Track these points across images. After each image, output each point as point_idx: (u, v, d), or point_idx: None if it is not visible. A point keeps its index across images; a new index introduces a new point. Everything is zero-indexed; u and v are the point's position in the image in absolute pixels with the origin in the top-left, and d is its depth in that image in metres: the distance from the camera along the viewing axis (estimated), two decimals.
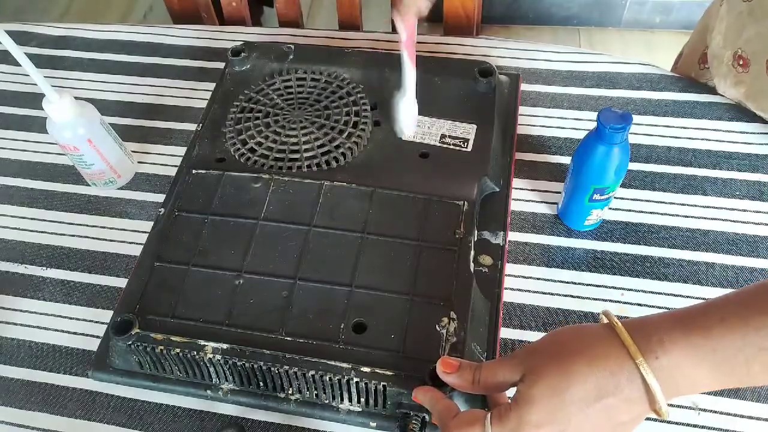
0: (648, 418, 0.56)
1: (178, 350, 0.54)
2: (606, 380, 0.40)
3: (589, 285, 0.63)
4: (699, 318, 0.40)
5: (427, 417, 0.52)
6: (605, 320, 0.43)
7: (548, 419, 0.40)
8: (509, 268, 0.64)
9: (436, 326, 0.54)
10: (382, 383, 0.52)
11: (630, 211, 0.67)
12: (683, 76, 0.78)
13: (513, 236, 0.66)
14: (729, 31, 0.70)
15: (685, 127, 0.73)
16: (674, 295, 0.61)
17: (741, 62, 0.68)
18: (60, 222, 0.71)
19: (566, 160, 0.71)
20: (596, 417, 0.40)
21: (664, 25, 1.83)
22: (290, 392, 0.56)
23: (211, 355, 0.54)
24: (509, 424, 0.41)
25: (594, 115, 0.74)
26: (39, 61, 0.71)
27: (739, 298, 0.40)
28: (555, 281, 0.63)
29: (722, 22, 0.71)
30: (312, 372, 0.53)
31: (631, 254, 0.64)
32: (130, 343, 0.55)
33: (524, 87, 0.77)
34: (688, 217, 0.66)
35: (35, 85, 0.61)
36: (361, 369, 0.52)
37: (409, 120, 0.66)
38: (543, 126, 0.74)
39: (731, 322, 0.38)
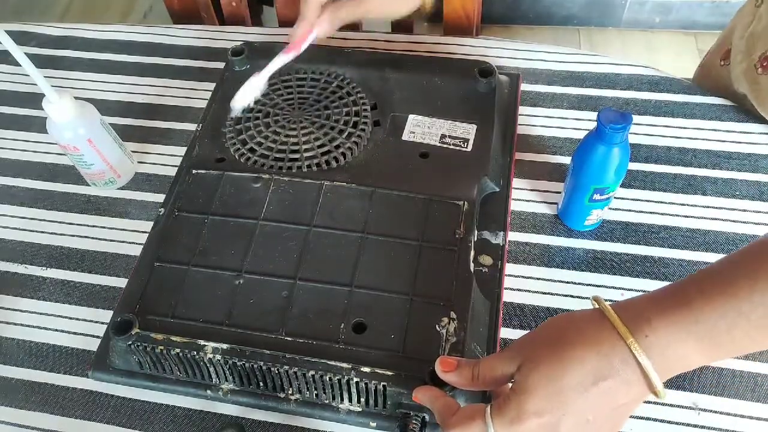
0: (648, 418, 0.57)
1: (178, 350, 0.54)
2: (601, 363, 0.40)
3: (589, 285, 0.63)
4: (680, 293, 0.41)
5: (427, 417, 0.52)
6: (596, 305, 0.43)
7: (548, 406, 0.41)
8: (509, 268, 0.64)
9: (436, 326, 0.54)
10: (382, 383, 0.52)
11: (630, 211, 0.67)
12: (705, 80, 0.78)
13: (513, 236, 0.66)
14: (758, 30, 0.70)
15: (685, 127, 0.73)
16: None
17: (765, 63, 0.68)
18: (60, 222, 0.71)
19: (566, 160, 0.71)
20: (595, 400, 0.41)
21: (664, 25, 1.83)
22: (290, 392, 0.56)
23: (211, 355, 0.54)
24: (509, 414, 0.42)
25: (594, 115, 0.74)
26: (39, 61, 0.71)
27: (717, 267, 0.42)
28: (555, 281, 0.63)
29: (760, 21, 0.71)
30: (312, 372, 0.53)
31: (631, 254, 0.64)
32: (130, 343, 0.55)
33: (524, 87, 0.77)
34: (688, 217, 0.66)
35: (35, 85, 0.61)
36: (361, 369, 0.52)
37: (246, 94, 0.64)
38: (543, 126, 0.74)
39: (709, 291, 0.40)
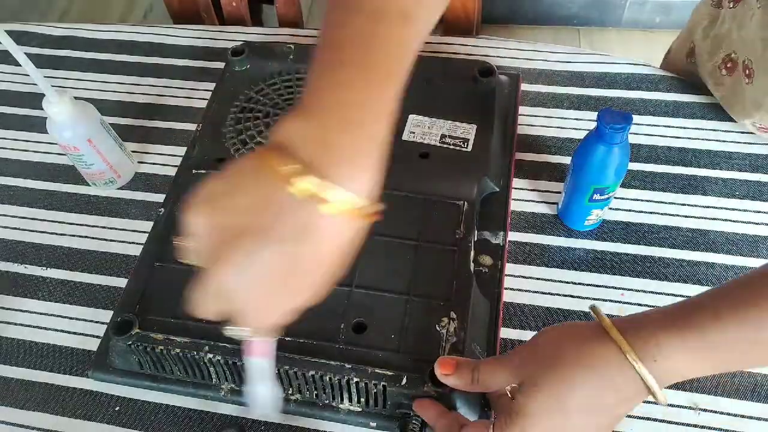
0: (648, 418, 0.57)
1: (178, 350, 0.54)
2: (605, 384, 0.41)
3: (589, 285, 0.63)
4: (693, 316, 0.40)
5: None
6: (594, 317, 0.44)
7: (550, 428, 0.42)
8: (509, 268, 0.64)
9: (436, 326, 0.54)
10: (382, 383, 0.52)
11: (630, 211, 0.67)
12: (673, 73, 0.78)
13: (513, 236, 0.66)
14: (721, 33, 0.70)
15: (685, 127, 0.73)
16: (674, 295, 0.61)
17: (728, 65, 0.68)
18: (60, 222, 0.71)
19: (566, 160, 0.71)
20: (597, 417, 0.42)
21: (664, 25, 1.83)
22: (290, 392, 0.56)
23: (211, 355, 0.54)
24: None
25: (594, 115, 0.74)
26: (39, 61, 0.71)
27: (731, 291, 0.41)
28: (555, 281, 0.63)
29: (723, 23, 0.71)
30: (312, 372, 0.53)
31: (631, 254, 0.64)
32: (130, 343, 0.55)
33: (524, 87, 0.77)
34: (688, 217, 0.66)
35: (35, 85, 0.61)
36: (361, 369, 0.52)
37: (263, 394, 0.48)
38: (543, 126, 0.74)
39: (726, 319, 0.39)
